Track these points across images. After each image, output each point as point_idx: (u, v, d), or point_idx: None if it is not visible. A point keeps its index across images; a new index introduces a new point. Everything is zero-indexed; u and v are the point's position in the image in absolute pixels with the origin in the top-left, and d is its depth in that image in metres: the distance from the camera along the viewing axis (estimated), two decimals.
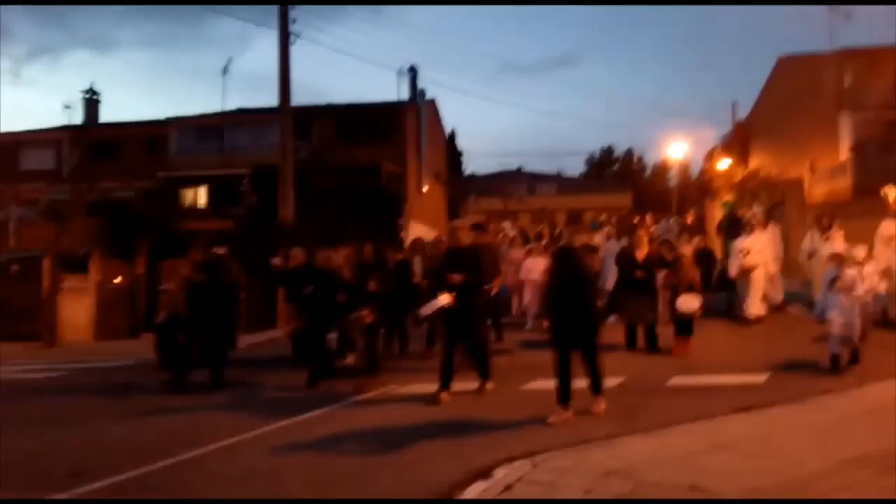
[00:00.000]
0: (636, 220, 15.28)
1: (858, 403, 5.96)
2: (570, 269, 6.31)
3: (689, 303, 8.48)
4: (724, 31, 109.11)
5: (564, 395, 6.02)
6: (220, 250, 10.85)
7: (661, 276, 9.06)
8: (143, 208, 24.49)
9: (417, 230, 23.50)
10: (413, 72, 29.66)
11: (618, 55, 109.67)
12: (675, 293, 8.75)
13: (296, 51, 18.21)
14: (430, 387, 7.18)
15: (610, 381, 7.33)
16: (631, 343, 9.08)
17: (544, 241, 13.54)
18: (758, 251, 10.72)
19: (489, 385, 7.25)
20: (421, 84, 30.09)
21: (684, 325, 8.63)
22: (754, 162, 29.85)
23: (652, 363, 8.28)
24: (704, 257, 12.10)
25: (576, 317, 6.13)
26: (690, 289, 8.71)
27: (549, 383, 6.27)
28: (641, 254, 9.21)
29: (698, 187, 38.11)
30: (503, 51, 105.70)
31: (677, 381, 7.30)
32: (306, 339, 8.72)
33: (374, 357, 8.42)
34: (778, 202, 19.58)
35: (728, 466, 4.48)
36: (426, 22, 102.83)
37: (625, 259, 9.40)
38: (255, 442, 5.96)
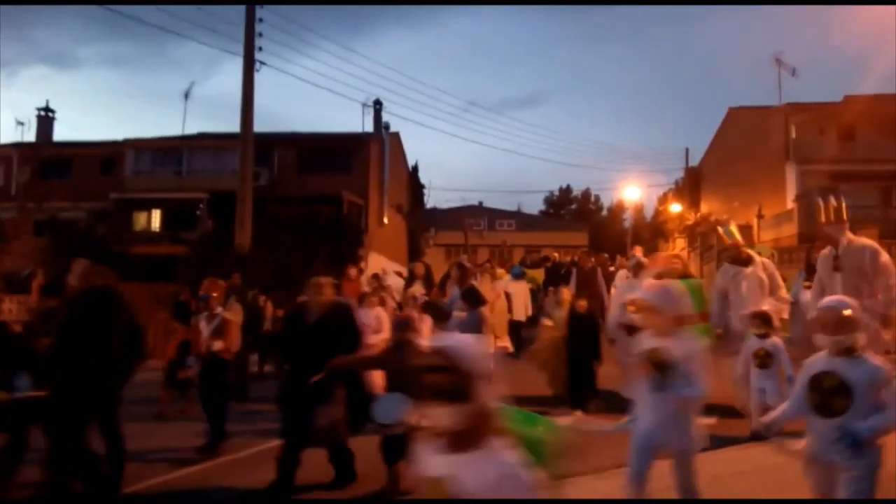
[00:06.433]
0: (591, 261, 12.74)
1: None
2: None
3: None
4: (679, 80, 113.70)
5: None
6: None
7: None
8: (93, 229, 23.83)
9: (377, 261, 23.42)
10: (378, 105, 29.92)
11: (579, 99, 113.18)
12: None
13: (260, 78, 18.20)
14: None
15: None
16: None
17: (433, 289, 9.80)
18: None
19: None
20: (386, 117, 30.39)
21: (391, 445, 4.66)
22: (705, 206, 30.91)
23: None
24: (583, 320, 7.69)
25: None
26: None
27: None
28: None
29: (652, 229, 39.13)
30: (470, 89, 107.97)
31: None
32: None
33: (60, 466, 4.63)
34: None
35: None
36: (394, 58, 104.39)
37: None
38: None
